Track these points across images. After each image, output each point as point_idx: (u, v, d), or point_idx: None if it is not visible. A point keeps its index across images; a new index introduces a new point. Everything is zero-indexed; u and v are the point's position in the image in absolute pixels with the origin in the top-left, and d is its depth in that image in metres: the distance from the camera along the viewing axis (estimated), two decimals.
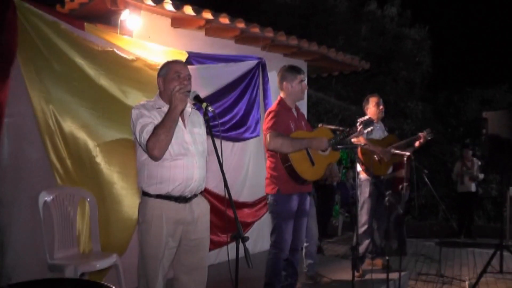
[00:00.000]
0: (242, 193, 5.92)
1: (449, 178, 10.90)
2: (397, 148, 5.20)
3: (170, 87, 2.83)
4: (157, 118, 2.81)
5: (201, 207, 3.03)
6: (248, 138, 5.89)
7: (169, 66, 2.98)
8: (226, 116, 5.56)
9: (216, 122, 2.69)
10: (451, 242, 8.59)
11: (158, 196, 2.85)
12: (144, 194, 2.90)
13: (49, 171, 3.98)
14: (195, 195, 2.99)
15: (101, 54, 4.28)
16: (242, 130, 5.78)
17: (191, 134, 2.96)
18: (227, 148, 5.71)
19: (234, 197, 5.59)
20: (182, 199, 2.89)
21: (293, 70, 4.09)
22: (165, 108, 2.84)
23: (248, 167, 6.00)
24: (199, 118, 3.12)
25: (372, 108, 5.47)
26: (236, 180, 5.85)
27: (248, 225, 5.97)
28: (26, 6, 3.82)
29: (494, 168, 6.00)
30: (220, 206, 5.07)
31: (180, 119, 2.89)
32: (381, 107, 5.47)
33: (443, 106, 14.66)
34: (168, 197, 2.85)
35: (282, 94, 4.10)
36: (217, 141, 2.59)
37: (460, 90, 14.57)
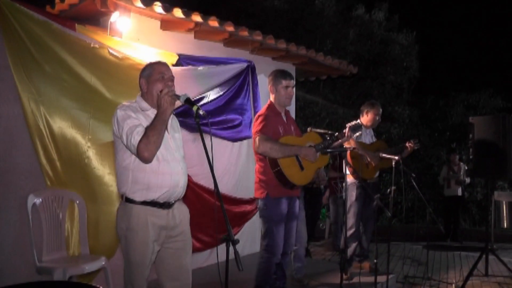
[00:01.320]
0: (242, 189, 5.99)
1: (435, 182, 11.00)
2: (386, 153, 5.23)
3: (155, 89, 2.80)
4: (143, 121, 2.77)
5: (182, 211, 3.00)
6: (244, 138, 5.94)
7: (153, 67, 2.93)
8: (220, 116, 5.63)
9: (206, 121, 2.65)
10: (438, 245, 8.67)
11: (143, 203, 2.79)
12: (128, 200, 2.82)
13: (38, 173, 3.96)
14: (177, 200, 2.96)
15: (93, 54, 4.27)
16: (239, 129, 5.87)
17: (173, 139, 2.93)
18: (227, 147, 5.84)
19: (233, 193, 5.83)
20: (166, 205, 2.85)
21: (279, 74, 4.07)
22: (150, 111, 2.82)
23: (247, 165, 6.06)
24: (176, 123, 3.10)
25: (371, 116, 5.45)
26: (236, 177, 5.96)
27: (245, 220, 6.05)
28: (16, 6, 3.79)
29: (479, 173, 6.05)
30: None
31: None
32: (379, 118, 5.52)
33: (430, 110, 14.79)
34: (153, 203, 2.81)
35: (271, 98, 4.11)
36: (207, 142, 2.57)
37: (446, 94, 14.72)
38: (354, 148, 4.97)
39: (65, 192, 4.08)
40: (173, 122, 3.03)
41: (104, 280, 3.96)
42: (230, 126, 5.78)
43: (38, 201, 3.87)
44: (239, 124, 5.88)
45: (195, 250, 5.08)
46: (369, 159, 5.27)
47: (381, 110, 5.54)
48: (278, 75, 4.05)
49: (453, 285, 5.76)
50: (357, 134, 4.44)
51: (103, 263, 3.93)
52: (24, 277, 3.73)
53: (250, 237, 6.23)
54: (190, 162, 4.90)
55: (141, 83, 2.93)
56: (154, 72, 2.89)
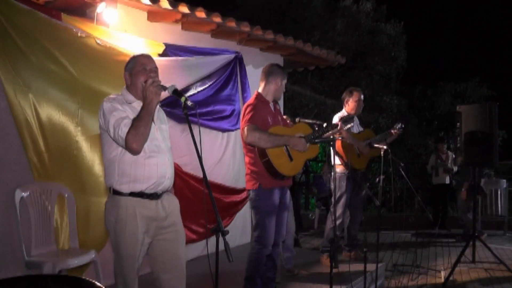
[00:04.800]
0: (233, 179, 6.03)
1: (423, 171, 11.08)
2: (375, 142, 5.24)
3: (139, 81, 2.81)
4: (129, 113, 2.77)
5: (171, 202, 3.00)
6: (234, 129, 5.95)
7: (135, 59, 2.93)
8: (209, 107, 5.63)
9: (194, 112, 2.65)
10: (426, 234, 8.75)
11: (131, 194, 2.79)
12: (115, 192, 2.82)
13: (26, 167, 3.91)
14: (166, 191, 2.96)
15: (80, 43, 4.23)
16: (228, 120, 5.89)
17: (160, 130, 2.93)
18: (217, 137, 5.87)
19: (224, 182, 5.88)
20: (154, 196, 2.85)
21: (283, 69, 4.18)
22: (136, 103, 2.82)
23: (238, 155, 6.11)
24: (163, 115, 3.10)
25: (353, 103, 5.42)
26: (228, 167, 5.99)
27: (237, 209, 6.08)
28: None
29: (467, 161, 6.10)
30: (215, 194, 5.23)
31: None
32: (362, 103, 5.48)
33: (418, 100, 14.88)
34: (141, 194, 2.81)
35: (261, 89, 4.10)
36: (196, 132, 2.56)
37: (433, 84, 14.81)
38: (343, 138, 4.97)
39: (53, 185, 4.04)
40: (159, 113, 3.03)
41: (94, 273, 3.94)
42: (220, 117, 5.77)
43: (26, 195, 3.83)
44: (229, 115, 5.87)
45: (188, 241, 5.12)
46: (360, 149, 5.27)
47: (362, 95, 5.48)
48: (284, 71, 4.16)
49: (441, 272, 5.82)
50: (349, 126, 4.45)
51: (93, 256, 3.91)
52: (13, 272, 3.70)
53: (241, 228, 6.25)
54: (179, 152, 4.92)
55: (125, 76, 2.94)
56: (136, 65, 2.89)
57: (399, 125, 5.49)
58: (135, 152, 2.72)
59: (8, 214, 3.77)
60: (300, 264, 5.22)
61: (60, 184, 4.08)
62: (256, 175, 3.90)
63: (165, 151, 2.90)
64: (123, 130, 2.67)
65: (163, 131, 2.97)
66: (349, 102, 5.46)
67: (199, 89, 5.49)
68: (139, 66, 2.87)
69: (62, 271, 3.65)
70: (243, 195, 5.96)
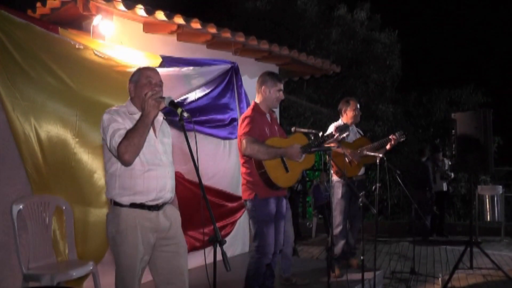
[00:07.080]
0: (236, 185, 5.97)
1: None
2: (369, 150, 5.26)
3: (142, 93, 2.81)
4: (129, 125, 2.77)
5: (173, 214, 3.01)
6: (233, 137, 5.96)
7: (140, 71, 2.96)
8: (207, 115, 5.67)
9: (190, 120, 2.67)
10: (424, 240, 8.76)
11: (132, 205, 2.80)
12: (116, 204, 2.83)
13: (24, 179, 3.92)
14: (167, 203, 2.97)
15: (78, 55, 4.25)
16: (227, 128, 5.93)
17: (162, 144, 2.95)
18: (219, 144, 5.92)
19: (227, 189, 5.91)
20: (155, 207, 2.86)
21: (274, 77, 4.14)
22: (137, 115, 2.81)
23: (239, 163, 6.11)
24: (167, 128, 3.12)
25: (350, 113, 5.47)
26: (230, 173, 6.01)
27: (239, 215, 6.10)
28: None
29: (462, 167, 6.13)
30: (219, 200, 5.49)
31: (151, 128, 2.87)
32: (359, 111, 5.53)
33: (413, 107, 14.92)
34: (141, 206, 2.82)
35: (257, 99, 4.13)
36: (192, 141, 2.58)
37: (428, 91, 14.86)
38: (335, 147, 4.99)
39: (51, 198, 4.04)
40: (163, 127, 3.05)
41: (92, 284, 3.94)
42: (218, 125, 5.82)
43: (23, 207, 3.82)
44: (227, 124, 5.92)
45: (192, 249, 5.11)
46: (350, 157, 5.29)
47: (358, 104, 5.55)
48: (274, 78, 4.12)
49: (439, 279, 5.83)
50: (344, 135, 4.48)
51: (91, 268, 3.90)
52: (11, 285, 3.70)
53: (242, 237, 6.26)
54: (181, 160, 4.92)
55: (129, 88, 2.96)
56: (141, 77, 2.92)
57: (401, 132, 5.51)
58: (126, 163, 2.73)
59: (5, 227, 3.77)
60: (298, 272, 5.21)
61: (58, 196, 4.08)
62: (252, 185, 3.92)
63: (165, 164, 2.91)
64: (117, 140, 2.69)
65: (165, 144, 2.99)
66: (347, 112, 5.49)
67: (197, 97, 5.53)
68: (144, 79, 2.90)
69: (60, 283, 3.64)
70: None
